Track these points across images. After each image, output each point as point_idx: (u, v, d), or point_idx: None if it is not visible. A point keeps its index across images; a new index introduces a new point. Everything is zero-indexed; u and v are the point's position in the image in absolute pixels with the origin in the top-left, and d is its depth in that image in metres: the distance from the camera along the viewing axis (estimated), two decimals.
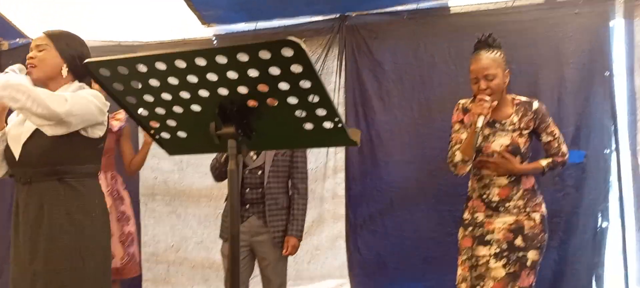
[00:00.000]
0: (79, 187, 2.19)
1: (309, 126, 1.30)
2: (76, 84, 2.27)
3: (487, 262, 2.67)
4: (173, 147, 1.49)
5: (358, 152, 3.68)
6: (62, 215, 2.12)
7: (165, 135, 1.44)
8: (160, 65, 1.21)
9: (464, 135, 2.74)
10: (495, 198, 2.71)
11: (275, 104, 1.25)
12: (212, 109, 1.29)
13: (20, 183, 2.16)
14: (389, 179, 3.62)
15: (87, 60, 1.25)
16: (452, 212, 3.44)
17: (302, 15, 3.80)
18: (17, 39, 4.67)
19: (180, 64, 1.19)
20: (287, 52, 1.10)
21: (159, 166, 4.10)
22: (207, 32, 4.12)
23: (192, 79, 1.23)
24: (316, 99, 1.21)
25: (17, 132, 2.16)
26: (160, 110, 1.35)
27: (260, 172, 3.07)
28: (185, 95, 1.28)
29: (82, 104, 2.11)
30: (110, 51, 4.37)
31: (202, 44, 4.12)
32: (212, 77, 1.21)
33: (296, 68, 1.13)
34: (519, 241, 2.64)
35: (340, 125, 1.27)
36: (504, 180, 2.69)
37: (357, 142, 1.31)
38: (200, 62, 1.17)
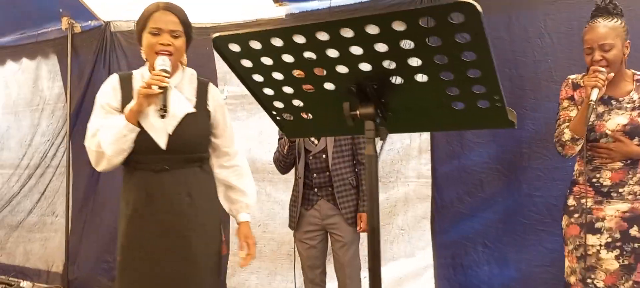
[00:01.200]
0: (210, 172, 2.20)
1: (459, 105, 1.14)
2: (188, 70, 2.17)
3: (598, 252, 2.44)
4: (294, 130, 1.37)
5: (446, 132, 3.49)
6: (207, 200, 2.12)
7: (287, 116, 1.32)
8: (299, 39, 1.08)
9: (573, 113, 2.50)
10: (607, 183, 2.45)
11: (426, 80, 1.09)
12: (347, 87, 1.15)
13: (149, 171, 2.02)
14: (479, 160, 3.42)
15: (216, 35, 1.13)
16: (545, 197, 3.23)
17: None
18: (90, 22, 4.70)
19: (322, 36, 1.06)
20: (457, 18, 0.94)
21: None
22: (278, 11, 3.99)
23: (332, 53, 1.09)
24: (477, 74, 1.05)
25: (158, 121, 1.99)
26: (288, 89, 1.23)
27: (324, 156, 3.02)
28: (319, 72, 1.15)
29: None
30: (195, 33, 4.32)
31: (272, 23, 4.00)
32: (356, 50, 1.07)
33: (462, 37, 0.97)
34: (635, 231, 2.39)
35: (499, 104, 1.10)
36: (618, 163, 2.43)
37: (515, 123, 1.14)
38: (347, 33, 1.03)
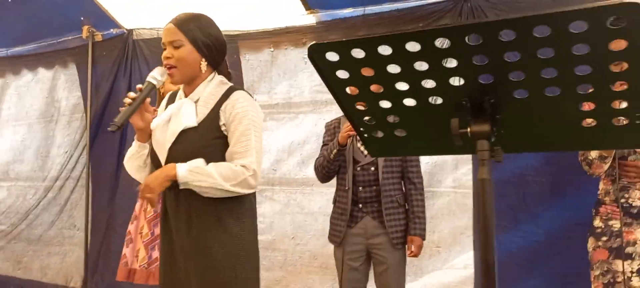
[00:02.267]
0: None
1: (589, 122, 1.00)
2: (217, 78, 2.01)
3: (629, 279, 2.28)
4: (382, 148, 1.23)
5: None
6: (213, 222, 1.92)
7: (377, 133, 1.18)
8: (412, 46, 0.93)
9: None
10: (637, 203, 2.31)
11: (557, 94, 0.95)
12: (458, 101, 1.01)
13: (167, 188, 1.93)
14: (523, 172, 3.28)
15: (313, 44, 0.99)
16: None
17: None
18: (111, 30, 4.59)
19: (442, 43, 0.92)
20: (619, 22, 0.80)
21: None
22: (309, 19, 3.86)
23: (450, 63, 0.95)
24: (623, 87, 0.91)
25: (162, 137, 1.95)
26: (385, 104, 1.08)
27: (372, 168, 2.83)
28: (429, 84, 1.01)
29: (260, 147, 1.97)
30: None
31: (304, 31, 3.88)
32: (480, 60, 0.93)
33: (619, 44, 0.83)
34: None
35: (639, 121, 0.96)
36: None
37: None
38: (473, 40, 0.89)
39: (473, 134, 1.02)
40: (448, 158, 3.55)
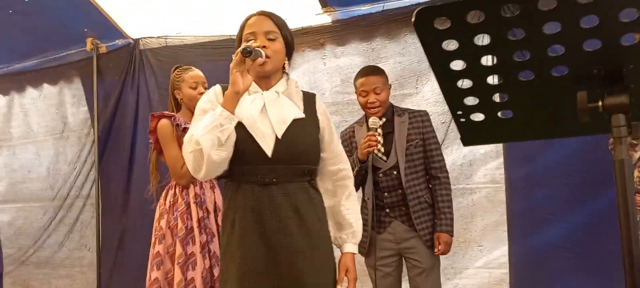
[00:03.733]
0: (317, 190, 1.92)
1: None
2: (292, 81, 1.94)
3: None
4: (479, 134, 1.07)
5: None
6: (316, 222, 1.84)
7: (477, 116, 1.02)
8: (547, 3, 0.78)
9: None
10: None
11: None
12: (587, 70, 0.86)
13: (256, 184, 1.79)
14: (564, 160, 3.15)
15: (421, 9, 0.85)
16: None
17: None
18: (116, 41, 4.43)
19: None
20: None
21: None
22: (324, 19, 3.72)
23: (586, 22, 0.80)
24: None
25: (264, 124, 1.79)
26: (494, 79, 0.93)
27: (395, 172, 2.69)
28: (555, 50, 0.86)
29: None
30: (222, 46, 4.07)
31: (321, 31, 3.74)
32: (627, 15, 0.78)
33: None
34: None
35: None
36: None
37: None
38: None
39: (607, 108, 0.87)
40: (478, 154, 3.40)
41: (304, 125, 1.84)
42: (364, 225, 2.72)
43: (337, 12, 3.67)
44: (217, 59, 4.07)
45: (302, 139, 1.81)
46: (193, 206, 2.84)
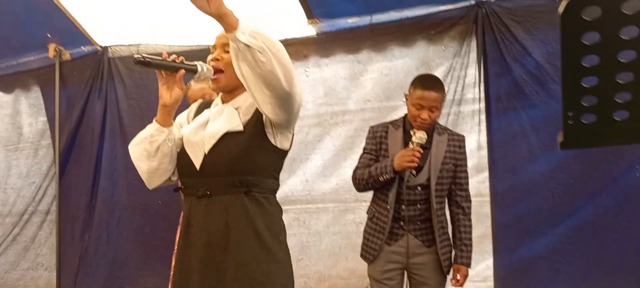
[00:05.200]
0: (266, 204, 1.80)
1: None
2: None
3: None
4: (585, 136, 1.05)
5: (506, 146, 3.33)
6: (251, 236, 1.73)
7: (588, 118, 1.00)
8: None
9: None
10: None
11: None
12: None
13: (193, 196, 1.77)
14: (548, 173, 3.24)
15: None
16: (625, 208, 3.08)
17: (428, 4, 3.39)
18: (82, 47, 4.19)
19: None
20: None
21: None
22: (309, 31, 3.68)
23: None
24: None
25: (198, 138, 1.77)
26: (626, 76, 0.91)
27: (419, 188, 2.62)
28: None
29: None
30: (198, 56, 3.91)
31: (305, 43, 3.69)
32: None
33: None
34: None
35: None
36: None
37: None
38: None
39: None
40: (469, 167, 3.45)
41: (238, 138, 1.73)
42: (379, 232, 2.68)
43: (323, 24, 3.63)
44: None
45: (235, 151, 1.72)
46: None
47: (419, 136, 2.51)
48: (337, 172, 3.68)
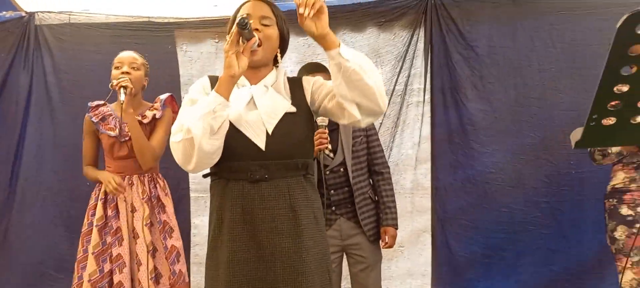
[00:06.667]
0: (314, 186, 1.79)
1: None
2: (282, 71, 1.81)
3: None
4: (601, 136, 1.14)
5: (447, 141, 3.42)
6: (312, 220, 1.71)
7: (608, 120, 1.08)
8: None
9: None
10: None
11: None
12: None
13: (245, 181, 1.66)
14: (483, 169, 3.38)
15: (634, 12, 0.87)
16: (551, 203, 3.31)
17: None
18: (3, 12, 3.82)
19: None
20: None
21: None
22: None
23: None
24: None
25: (254, 117, 1.67)
26: None
27: (342, 170, 2.74)
28: None
29: None
30: (139, 28, 3.73)
31: None
32: None
33: None
34: None
35: None
36: None
37: None
38: None
39: None
40: (409, 158, 3.54)
41: (295, 119, 1.72)
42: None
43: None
44: (128, 42, 3.73)
45: (296, 131, 1.71)
46: (99, 203, 2.74)
47: (320, 119, 2.59)
48: None
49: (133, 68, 2.72)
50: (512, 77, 3.33)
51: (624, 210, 2.56)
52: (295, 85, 1.80)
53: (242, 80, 1.72)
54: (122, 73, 2.67)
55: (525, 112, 3.32)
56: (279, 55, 1.78)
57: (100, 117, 2.78)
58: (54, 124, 3.80)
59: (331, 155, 2.72)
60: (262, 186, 1.64)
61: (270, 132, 1.65)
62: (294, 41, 3.59)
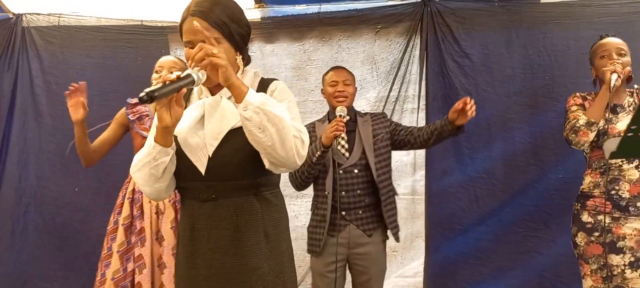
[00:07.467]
0: (274, 200, 1.71)
1: None
2: (249, 72, 1.72)
3: (622, 271, 2.45)
4: (636, 148, 1.16)
5: (441, 147, 3.43)
6: (261, 238, 1.64)
7: None
8: None
9: (582, 117, 2.50)
10: (626, 195, 2.44)
11: None
12: None
13: (196, 200, 1.65)
14: (475, 175, 3.41)
15: None
16: (540, 207, 3.35)
17: None
18: None
19: None
20: None
21: None
22: (254, 14, 3.59)
23: None
24: None
25: (198, 140, 1.62)
26: None
27: (356, 171, 2.68)
28: None
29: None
30: (130, 32, 3.66)
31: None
32: None
33: None
34: None
35: None
36: (636, 173, 2.45)
37: None
38: None
39: None
40: (404, 165, 3.56)
41: (242, 136, 1.54)
42: (321, 222, 2.70)
43: (269, 9, 3.57)
44: (120, 46, 3.68)
45: (238, 152, 1.59)
46: (126, 202, 2.74)
47: (339, 109, 2.65)
48: None
49: (172, 72, 2.71)
50: (505, 85, 3.38)
51: (585, 217, 2.55)
52: (263, 89, 1.69)
53: (205, 91, 1.68)
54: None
55: (517, 118, 3.37)
56: (239, 58, 1.65)
57: (137, 115, 2.79)
58: (39, 127, 3.71)
59: (347, 154, 2.69)
60: (209, 206, 1.62)
61: (210, 155, 1.60)
62: (289, 47, 3.62)
